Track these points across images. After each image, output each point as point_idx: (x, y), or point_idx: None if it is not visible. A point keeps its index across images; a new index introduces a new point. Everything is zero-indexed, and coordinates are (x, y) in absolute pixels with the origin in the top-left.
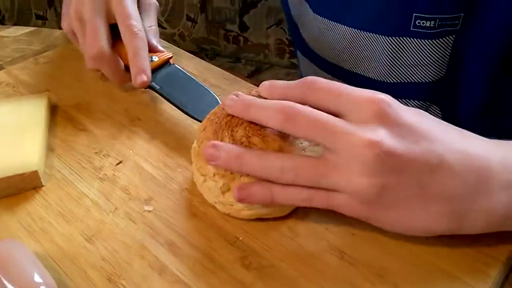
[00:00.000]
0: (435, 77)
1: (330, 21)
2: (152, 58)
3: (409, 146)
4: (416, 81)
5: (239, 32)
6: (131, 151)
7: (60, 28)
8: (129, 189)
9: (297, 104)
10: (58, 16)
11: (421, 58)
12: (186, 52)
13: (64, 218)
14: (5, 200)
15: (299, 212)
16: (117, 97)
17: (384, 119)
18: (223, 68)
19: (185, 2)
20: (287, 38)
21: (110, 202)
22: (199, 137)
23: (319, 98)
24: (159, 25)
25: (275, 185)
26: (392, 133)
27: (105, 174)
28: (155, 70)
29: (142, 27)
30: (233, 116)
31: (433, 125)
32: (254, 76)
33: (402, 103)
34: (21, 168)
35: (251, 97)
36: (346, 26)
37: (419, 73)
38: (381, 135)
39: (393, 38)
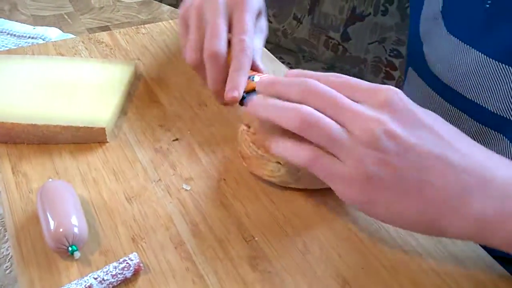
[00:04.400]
0: None
1: (463, 43)
2: (253, 78)
3: (410, 132)
4: None
5: (340, 41)
6: (189, 132)
7: (169, 3)
8: (176, 165)
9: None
10: None
11: None
12: (269, 52)
13: (115, 175)
14: (72, 146)
15: (317, 231)
16: (194, 79)
17: (392, 106)
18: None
19: (296, 2)
20: (386, 58)
21: (157, 172)
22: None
23: (339, 86)
24: (267, 19)
25: (289, 139)
26: (396, 119)
27: (161, 147)
28: (253, 90)
29: (252, 44)
30: None
31: (441, 124)
32: None
33: (505, 152)
34: (92, 122)
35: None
36: (479, 52)
37: None
38: (385, 118)
39: None
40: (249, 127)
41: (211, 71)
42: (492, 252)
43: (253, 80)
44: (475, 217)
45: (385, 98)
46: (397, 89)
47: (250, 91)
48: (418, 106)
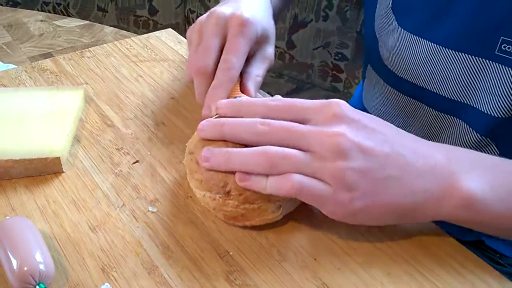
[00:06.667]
0: (506, 114)
1: (413, 35)
2: (238, 98)
3: (365, 138)
4: (485, 111)
5: (285, 49)
6: (149, 153)
7: (111, 25)
8: (139, 188)
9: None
10: (118, 10)
11: (499, 87)
12: None
13: (75, 205)
14: (27, 180)
15: (290, 238)
16: (147, 99)
17: (342, 117)
18: (264, 82)
19: None
20: (331, 62)
21: (120, 197)
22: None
23: (283, 112)
24: None
25: (271, 176)
26: (351, 128)
27: (121, 171)
28: None
29: (239, 66)
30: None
31: (384, 126)
32: (294, 94)
33: (462, 135)
34: (45, 153)
35: (225, 149)
36: (429, 41)
37: (491, 103)
38: (343, 128)
39: (475, 58)
40: (227, 192)
41: (197, 85)
42: (462, 237)
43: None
44: (432, 197)
45: (334, 112)
46: (340, 100)
47: None
48: (361, 112)
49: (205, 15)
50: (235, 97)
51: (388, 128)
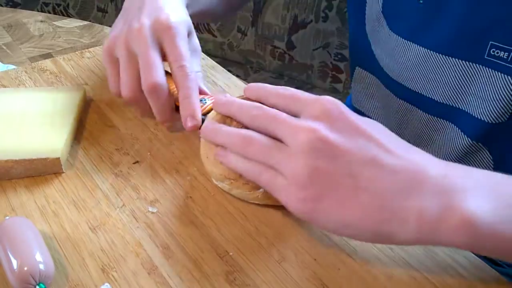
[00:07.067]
0: (498, 119)
1: (405, 40)
2: (205, 100)
3: (344, 139)
4: (477, 116)
5: (285, 49)
6: (148, 153)
7: (111, 25)
8: (139, 188)
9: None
10: (118, 11)
11: (489, 92)
12: (218, 65)
13: (75, 206)
14: (27, 180)
15: (290, 238)
16: None
17: (328, 116)
18: (264, 83)
19: (238, 14)
20: (331, 62)
21: (119, 198)
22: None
23: (278, 101)
24: (211, 33)
25: (237, 155)
26: (331, 126)
27: (121, 171)
28: (207, 113)
29: (193, 68)
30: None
31: (378, 130)
32: None
33: (454, 139)
34: (45, 153)
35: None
36: (421, 46)
37: (482, 108)
38: (318, 125)
39: (466, 62)
40: None
41: (156, 103)
42: None
43: (205, 103)
44: (415, 217)
45: (322, 108)
46: (336, 100)
47: (206, 114)
48: (358, 115)
49: (122, 29)
50: (201, 100)
51: (384, 133)
